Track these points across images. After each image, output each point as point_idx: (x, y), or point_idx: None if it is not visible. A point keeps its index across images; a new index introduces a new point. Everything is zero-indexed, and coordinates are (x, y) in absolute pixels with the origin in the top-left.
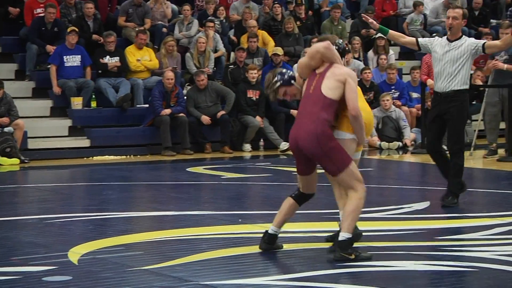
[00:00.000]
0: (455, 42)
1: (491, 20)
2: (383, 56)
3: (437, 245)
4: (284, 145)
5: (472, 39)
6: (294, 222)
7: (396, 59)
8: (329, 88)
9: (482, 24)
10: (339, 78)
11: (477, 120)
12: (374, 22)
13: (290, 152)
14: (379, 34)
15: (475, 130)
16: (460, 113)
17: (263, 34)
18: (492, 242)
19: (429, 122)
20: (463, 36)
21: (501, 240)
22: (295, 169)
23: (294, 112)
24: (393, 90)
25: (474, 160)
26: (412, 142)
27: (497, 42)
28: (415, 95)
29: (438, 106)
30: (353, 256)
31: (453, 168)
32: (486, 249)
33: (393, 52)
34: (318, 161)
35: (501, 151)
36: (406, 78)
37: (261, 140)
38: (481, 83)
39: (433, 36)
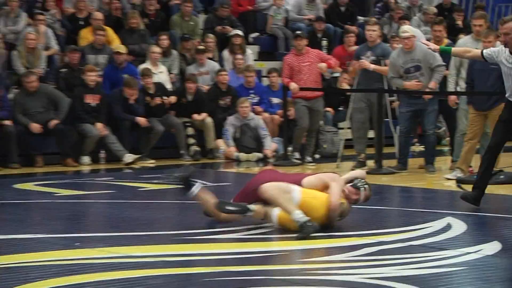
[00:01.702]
0: None
1: (358, 17)
2: (240, 56)
3: (300, 268)
4: (128, 157)
5: None
6: (140, 246)
7: (254, 60)
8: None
9: (349, 21)
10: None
11: (343, 128)
12: (433, 46)
13: (135, 166)
14: (235, 31)
15: (341, 140)
16: None
17: (107, 30)
18: (361, 264)
19: (498, 123)
20: None
21: (371, 261)
22: (142, 184)
23: (140, 119)
24: (251, 95)
25: (341, 173)
26: (274, 153)
27: None
28: (275, 100)
29: None
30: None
31: None
32: (354, 272)
33: (251, 51)
34: None
35: (370, 162)
36: (266, 81)
37: (102, 151)
38: (348, 87)
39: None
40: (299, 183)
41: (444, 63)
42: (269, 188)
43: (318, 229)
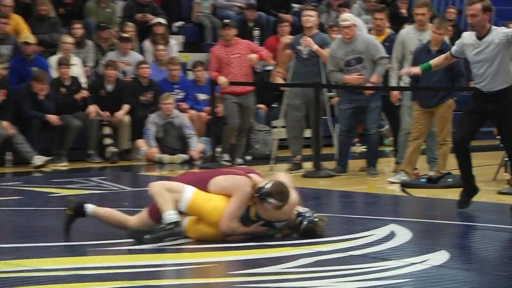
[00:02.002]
0: (484, 39)
1: (293, 5)
2: (162, 47)
3: (229, 282)
4: (38, 160)
5: (501, 29)
6: (52, 258)
7: (179, 51)
8: None
9: (283, 9)
10: None
11: (277, 127)
12: (415, 70)
13: (46, 169)
14: (157, 19)
15: (275, 140)
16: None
17: (14, 18)
18: (296, 276)
19: (464, 116)
20: (492, 28)
21: (307, 273)
22: (53, 190)
23: (51, 117)
24: (176, 90)
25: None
26: (200, 154)
27: None
28: (202, 96)
29: (481, 103)
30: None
31: None
32: (288, 285)
33: (175, 42)
34: None
35: (307, 165)
36: (192, 75)
37: (9, 153)
38: (282, 81)
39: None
40: (207, 182)
41: (387, 56)
42: (154, 185)
43: (179, 235)
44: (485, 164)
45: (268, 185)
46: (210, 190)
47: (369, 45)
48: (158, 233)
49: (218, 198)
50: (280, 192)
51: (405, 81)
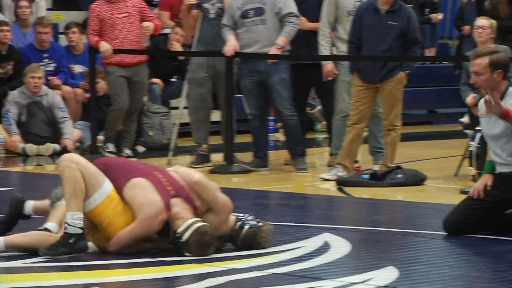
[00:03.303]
0: None
1: None
2: (25, 3)
3: None
4: None
5: None
6: None
7: (48, 9)
8: None
9: None
10: None
11: (177, 108)
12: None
13: None
14: None
15: (174, 124)
16: None
17: None
18: None
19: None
20: (509, 89)
21: None
22: None
23: None
24: (45, 60)
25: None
26: (77, 144)
27: None
28: (79, 68)
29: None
30: None
31: None
32: None
33: None
34: None
35: (215, 157)
36: (65, 41)
37: None
38: (181, 49)
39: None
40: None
41: (297, 14)
42: (68, 162)
43: (83, 250)
44: (446, 156)
45: (186, 234)
46: (125, 191)
47: None
48: (58, 249)
49: (121, 211)
50: (200, 244)
51: (341, 50)
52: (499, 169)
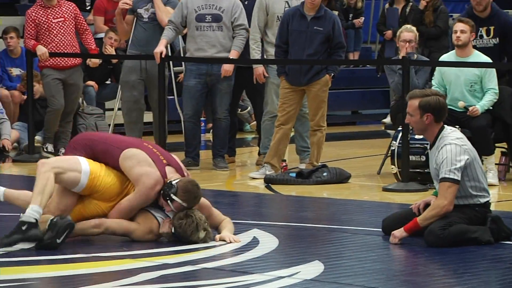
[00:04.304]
0: (433, 148)
1: None
2: None
3: None
4: None
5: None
6: None
7: None
8: None
9: None
10: None
11: (112, 110)
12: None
13: None
14: None
15: (109, 125)
16: None
17: None
18: None
19: None
20: (442, 133)
21: None
22: None
23: None
24: None
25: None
26: (15, 144)
27: None
28: (16, 71)
29: None
30: None
31: None
32: None
33: None
34: None
35: None
36: (2, 45)
37: None
38: (113, 52)
39: None
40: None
41: (247, 27)
42: (46, 162)
43: (35, 240)
44: (369, 155)
45: (177, 180)
46: (120, 161)
47: (235, 5)
48: (11, 236)
49: (115, 176)
50: (189, 186)
51: (270, 53)
52: None
